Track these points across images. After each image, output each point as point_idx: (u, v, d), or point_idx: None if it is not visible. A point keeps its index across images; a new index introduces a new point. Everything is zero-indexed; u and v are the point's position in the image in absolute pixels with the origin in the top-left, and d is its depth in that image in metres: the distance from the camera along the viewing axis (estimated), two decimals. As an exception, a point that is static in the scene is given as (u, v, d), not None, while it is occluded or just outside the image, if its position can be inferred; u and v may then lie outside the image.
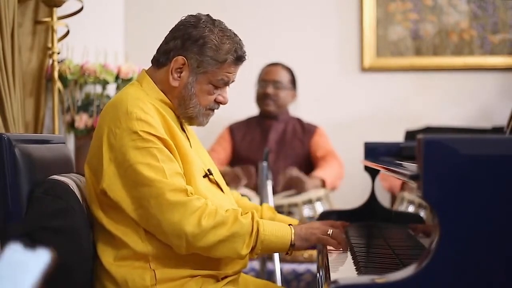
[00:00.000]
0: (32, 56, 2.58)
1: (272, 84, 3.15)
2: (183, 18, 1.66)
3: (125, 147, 1.50)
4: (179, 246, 1.49)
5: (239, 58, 1.62)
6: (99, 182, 1.53)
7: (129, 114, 1.51)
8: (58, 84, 2.62)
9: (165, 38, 1.66)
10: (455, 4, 3.61)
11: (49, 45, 2.60)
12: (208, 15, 1.65)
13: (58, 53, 2.62)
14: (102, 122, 1.57)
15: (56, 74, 2.58)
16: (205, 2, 3.63)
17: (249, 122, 3.27)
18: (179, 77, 1.61)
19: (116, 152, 1.51)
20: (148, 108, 1.54)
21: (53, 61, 2.58)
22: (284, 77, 3.17)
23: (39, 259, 0.63)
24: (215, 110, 1.68)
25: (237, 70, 1.65)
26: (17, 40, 2.34)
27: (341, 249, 1.56)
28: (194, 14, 1.66)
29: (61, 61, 2.71)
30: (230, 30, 1.64)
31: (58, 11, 2.59)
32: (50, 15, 2.57)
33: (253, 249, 1.51)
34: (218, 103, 1.65)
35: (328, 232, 1.57)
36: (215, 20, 1.64)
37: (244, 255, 1.51)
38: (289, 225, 1.58)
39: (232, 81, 1.66)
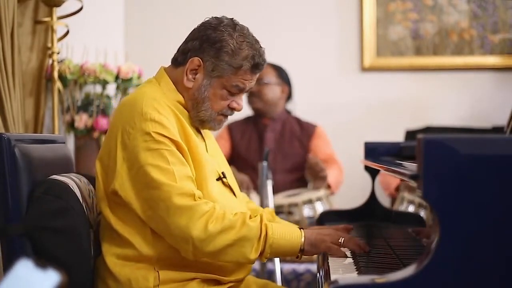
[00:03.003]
0: (32, 56, 2.58)
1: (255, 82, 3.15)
2: (206, 19, 1.63)
3: (137, 148, 1.49)
4: (186, 250, 1.47)
5: (256, 66, 1.60)
6: (111, 181, 1.52)
7: (144, 115, 1.50)
8: (58, 84, 2.62)
9: (186, 37, 1.64)
10: (455, 4, 3.61)
11: (49, 45, 2.60)
12: (232, 19, 1.62)
13: (58, 53, 2.62)
14: (116, 120, 1.56)
15: (56, 74, 2.58)
16: (205, 2, 3.63)
17: (246, 121, 3.26)
18: (194, 78, 1.59)
19: (129, 153, 1.50)
20: (163, 109, 1.53)
21: (53, 61, 2.58)
22: (266, 73, 3.15)
23: (47, 280, 0.62)
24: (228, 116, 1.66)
25: (254, 78, 1.63)
26: (17, 40, 2.34)
27: (346, 259, 1.50)
28: (218, 16, 1.63)
29: (61, 61, 2.71)
30: (252, 36, 1.61)
31: (58, 11, 2.59)
32: (50, 15, 2.57)
33: (262, 253, 1.48)
34: (231, 109, 1.64)
35: (340, 240, 1.52)
36: (237, 24, 1.61)
37: (253, 259, 1.48)
38: (301, 228, 1.54)
39: (250, 88, 1.64)
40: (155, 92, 1.59)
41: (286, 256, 1.75)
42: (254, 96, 3.14)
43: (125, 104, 1.58)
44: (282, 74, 3.18)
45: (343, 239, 1.53)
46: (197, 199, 1.48)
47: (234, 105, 1.63)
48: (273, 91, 3.14)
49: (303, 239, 1.50)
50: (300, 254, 1.52)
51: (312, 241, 1.51)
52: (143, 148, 1.48)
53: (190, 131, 1.58)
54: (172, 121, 1.53)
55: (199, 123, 1.64)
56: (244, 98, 3.16)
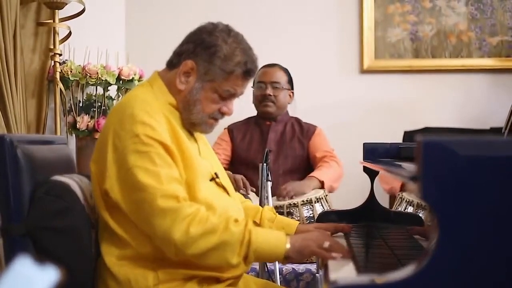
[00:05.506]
0: (34, 57, 2.60)
1: (271, 85, 3.15)
2: (202, 23, 1.65)
3: (126, 149, 1.50)
4: (169, 252, 1.48)
5: (248, 72, 1.60)
6: (103, 182, 1.54)
7: (134, 117, 1.51)
8: (60, 85, 2.64)
9: (182, 40, 1.65)
10: (453, 6, 3.63)
11: (51, 46, 2.62)
12: (227, 25, 1.64)
13: (60, 55, 2.63)
14: (109, 122, 1.57)
15: (58, 75, 2.59)
16: (205, 4, 3.64)
17: (247, 122, 3.27)
18: (186, 81, 1.60)
19: (119, 154, 1.51)
20: (154, 112, 1.54)
21: (55, 62, 2.59)
22: (282, 77, 3.17)
23: (46, 278, 0.62)
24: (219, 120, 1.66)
25: (245, 84, 1.63)
26: (19, 42, 2.36)
27: (346, 259, 1.46)
28: (214, 22, 1.64)
29: (63, 62, 2.72)
30: (246, 43, 1.62)
31: (60, 13, 2.61)
32: (52, 17, 2.58)
33: (245, 258, 1.47)
34: (222, 113, 1.64)
35: (324, 245, 1.48)
36: (232, 30, 1.62)
37: (236, 264, 1.47)
38: (287, 234, 1.52)
39: (240, 94, 1.65)
40: (147, 95, 1.60)
41: (270, 262, 1.68)
42: (270, 101, 3.14)
43: (117, 107, 1.60)
44: (290, 78, 3.21)
45: (327, 243, 1.47)
46: (182, 201, 1.47)
47: (225, 109, 1.63)
48: (285, 95, 3.17)
49: (288, 246, 1.48)
50: (285, 261, 1.50)
51: (296, 248, 1.48)
52: (132, 150, 1.49)
53: (182, 133, 1.58)
54: (162, 124, 1.54)
55: (190, 126, 1.65)
56: (247, 99, 3.20)
